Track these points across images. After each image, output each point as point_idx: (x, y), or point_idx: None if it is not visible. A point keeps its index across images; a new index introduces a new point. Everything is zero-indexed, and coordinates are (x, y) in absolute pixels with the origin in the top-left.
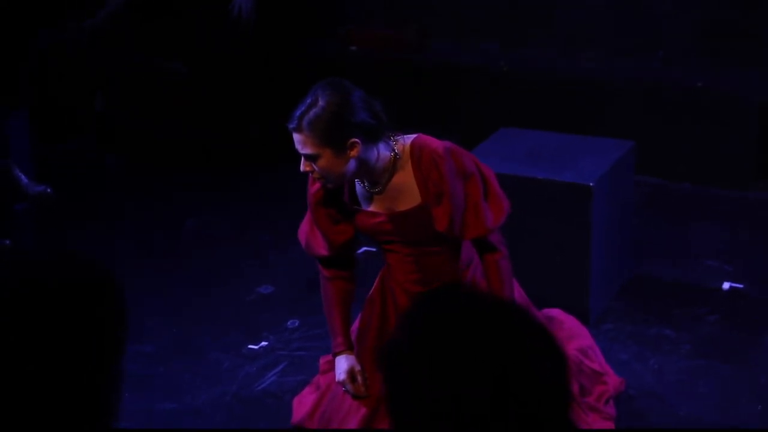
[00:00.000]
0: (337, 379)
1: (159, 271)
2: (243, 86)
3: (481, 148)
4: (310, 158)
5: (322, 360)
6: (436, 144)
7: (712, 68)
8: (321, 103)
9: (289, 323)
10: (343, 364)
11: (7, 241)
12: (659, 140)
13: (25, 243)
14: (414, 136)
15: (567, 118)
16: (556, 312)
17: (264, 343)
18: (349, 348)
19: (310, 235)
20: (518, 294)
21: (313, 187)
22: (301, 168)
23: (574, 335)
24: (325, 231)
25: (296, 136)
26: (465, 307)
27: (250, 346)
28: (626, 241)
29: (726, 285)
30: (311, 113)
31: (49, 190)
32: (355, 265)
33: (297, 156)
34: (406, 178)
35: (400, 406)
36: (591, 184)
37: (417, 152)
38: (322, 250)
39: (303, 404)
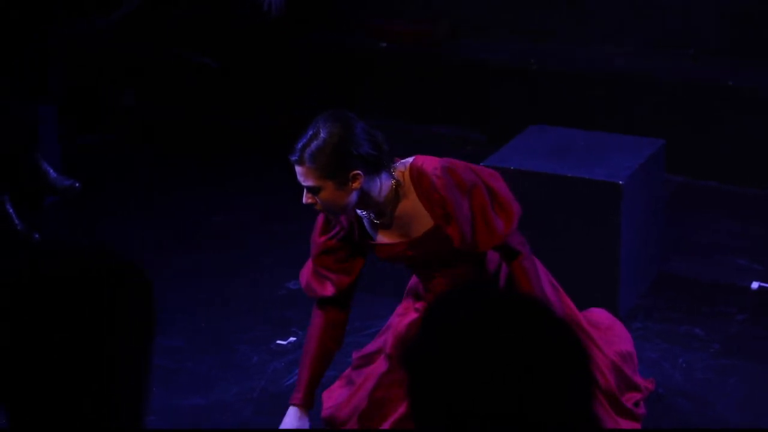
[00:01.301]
0: (282, 428)
1: (187, 264)
2: (272, 80)
3: (511, 145)
4: (312, 190)
5: (355, 355)
6: (432, 165)
7: (742, 66)
8: (322, 135)
9: None
10: (292, 419)
11: (36, 235)
12: (688, 138)
13: (54, 237)
14: (411, 159)
15: (596, 115)
16: (600, 313)
17: (292, 339)
18: (305, 406)
19: (311, 277)
20: (553, 294)
21: (321, 238)
22: (304, 200)
23: (617, 339)
24: (329, 276)
25: (298, 169)
26: (484, 305)
27: (279, 342)
28: (656, 240)
29: (755, 284)
30: (313, 145)
31: (77, 184)
32: (347, 316)
33: None
34: (412, 203)
35: (422, 406)
36: (621, 182)
37: (416, 177)
38: (325, 290)
39: (333, 398)
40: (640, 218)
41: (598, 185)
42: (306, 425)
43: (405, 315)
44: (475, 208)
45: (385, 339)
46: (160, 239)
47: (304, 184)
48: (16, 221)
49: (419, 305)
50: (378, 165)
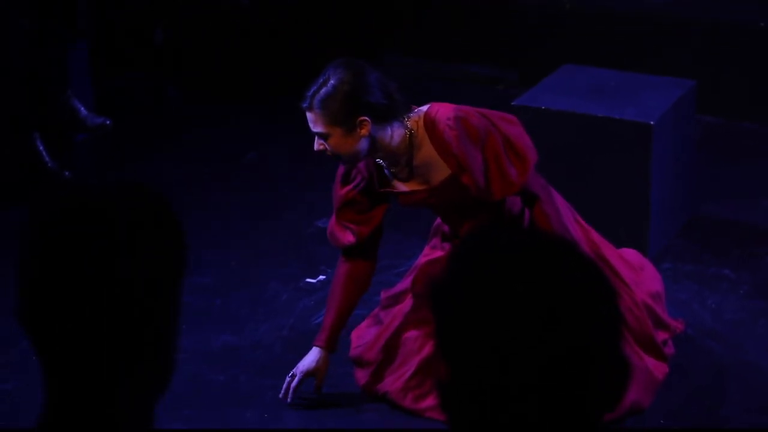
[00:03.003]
0: (299, 364)
1: (217, 202)
2: (303, 19)
3: (542, 84)
4: (321, 137)
5: (384, 294)
6: (445, 115)
7: None
8: (332, 81)
9: None
10: (311, 359)
11: (67, 173)
12: (721, 79)
13: (85, 174)
14: (426, 108)
15: (628, 56)
16: (631, 253)
17: (322, 277)
18: (328, 349)
19: (334, 227)
20: (579, 232)
21: (342, 190)
22: (315, 147)
23: (648, 279)
24: (350, 226)
25: (308, 115)
26: (510, 243)
27: (308, 280)
28: (686, 181)
29: None
30: (322, 92)
31: (108, 122)
32: (372, 263)
33: None
34: (428, 152)
35: (447, 344)
36: (652, 122)
37: (430, 127)
38: (346, 239)
39: (361, 337)
40: (671, 159)
41: (629, 125)
42: (325, 365)
43: (431, 255)
44: (488, 156)
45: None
46: (190, 177)
47: (313, 130)
48: (47, 159)
49: (446, 245)
50: (389, 114)
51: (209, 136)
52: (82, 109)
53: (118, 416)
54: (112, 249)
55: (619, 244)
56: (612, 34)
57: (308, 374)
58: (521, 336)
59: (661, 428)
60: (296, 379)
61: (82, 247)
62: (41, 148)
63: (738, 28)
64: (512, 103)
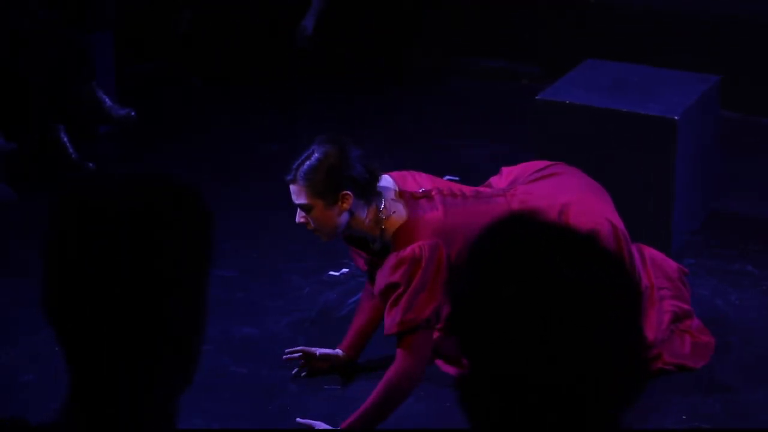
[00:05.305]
0: (321, 349)
1: (239, 194)
2: (324, 17)
3: (565, 79)
4: (303, 209)
5: None
6: (418, 245)
7: None
8: (316, 155)
9: None
10: (330, 352)
11: (91, 164)
12: (742, 74)
13: (109, 166)
14: (412, 213)
15: (651, 50)
16: (655, 253)
17: (345, 270)
18: (347, 353)
19: (351, 252)
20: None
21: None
22: (297, 219)
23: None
24: (363, 254)
25: (292, 188)
26: (531, 239)
27: (331, 273)
28: (709, 176)
29: None
30: (306, 165)
31: (133, 113)
32: None
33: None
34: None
35: (464, 334)
36: (676, 117)
37: (399, 240)
38: (360, 264)
39: None
40: (694, 154)
41: (653, 121)
42: (339, 363)
43: None
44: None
45: None
46: (215, 167)
47: (296, 202)
48: (71, 151)
49: None
50: (368, 190)
51: (231, 127)
52: (107, 100)
53: (140, 410)
54: (141, 239)
55: (643, 239)
56: (635, 28)
57: (321, 358)
58: (531, 332)
59: (669, 429)
60: (309, 353)
61: (110, 238)
62: (65, 139)
63: (761, 22)
64: (536, 98)
